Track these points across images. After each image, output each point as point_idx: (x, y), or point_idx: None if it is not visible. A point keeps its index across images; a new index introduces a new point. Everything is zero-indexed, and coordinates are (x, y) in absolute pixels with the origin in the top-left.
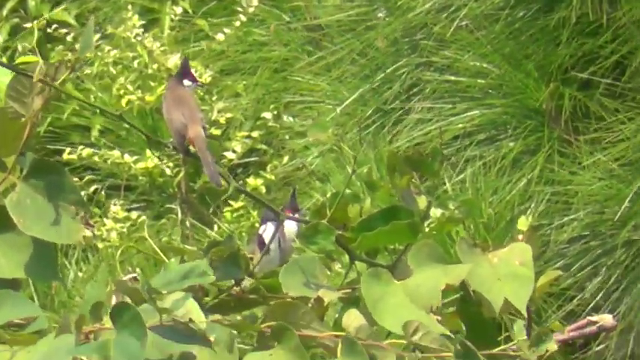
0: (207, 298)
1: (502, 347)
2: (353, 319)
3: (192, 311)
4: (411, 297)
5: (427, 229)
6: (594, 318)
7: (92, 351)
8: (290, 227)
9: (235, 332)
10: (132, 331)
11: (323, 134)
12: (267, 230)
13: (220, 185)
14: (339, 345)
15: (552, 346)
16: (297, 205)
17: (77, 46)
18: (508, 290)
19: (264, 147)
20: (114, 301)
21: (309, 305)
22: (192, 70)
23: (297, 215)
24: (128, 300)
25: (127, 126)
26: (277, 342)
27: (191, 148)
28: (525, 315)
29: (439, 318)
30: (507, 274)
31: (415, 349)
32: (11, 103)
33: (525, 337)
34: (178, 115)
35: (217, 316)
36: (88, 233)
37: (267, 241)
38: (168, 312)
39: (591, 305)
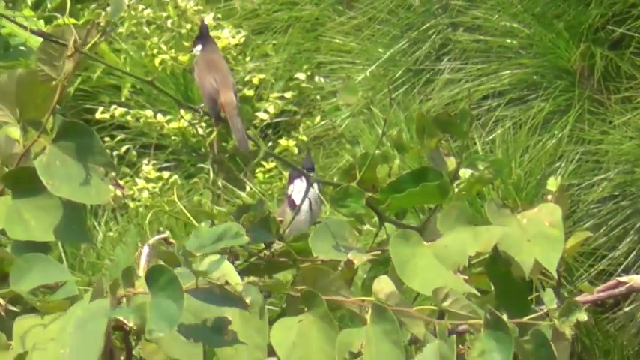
0: (237, 262)
1: (532, 316)
2: (383, 285)
3: (228, 274)
4: (439, 258)
5: (456, 190)
6: (623, 278)
7: (129, 313)
8: (315, 190)
9: (265, 296)
10: (168, 294)
11: (353, 97)
12: (296, 189)
13: (248, 151)
14: (369, 311)
15: (582, 316)
16: (313, 163)
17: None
18: (538, 251)
19: (294, 108)
20: (143, 262)
21: (340, 268)
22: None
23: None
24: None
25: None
26: (307, 307)
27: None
28: (545, 298)
29: (466, 277)
30: (537, 235)
31: (443, 316)
32: (42, 66)
33: (555, 303)
34: (210, 79)
35: (253, 278)
36: (117, 194)
37: (297, 201)
38: (205, 274)
39: (622, 265)
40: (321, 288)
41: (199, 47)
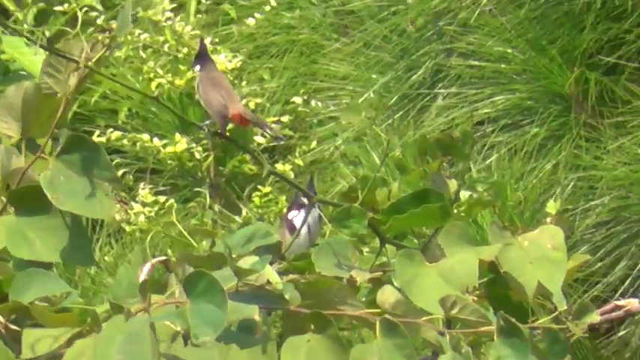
0: None
1: (544, 319)
2: (388, 295)
3: (266, 273)
4: (445, 278)
5: (456, 212)
6: (621, 302)
7: (174, 317)
8: (313, 213)
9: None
10: (209, 299)
11: (356, 117)
12: (298, 216)
13: (284, 139)
14: (377, 325)
15: (595, 317)
16: (315, 191)
17: (107, 28)
18: (541, 274)
19: (290, 132)
20: (141, 280)
21: None
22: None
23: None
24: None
25: (154, 110)
26: (314, 326)
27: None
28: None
29: (475, 298)
30: (539, 258)
31: (450, 326)
32: (46, 79)
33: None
34: (217, 96)
35: (292, 276)
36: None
37: (297, 224)
38: (250, 273)
39: (617, 291)
40: (326, 300)
41: (198, 67)
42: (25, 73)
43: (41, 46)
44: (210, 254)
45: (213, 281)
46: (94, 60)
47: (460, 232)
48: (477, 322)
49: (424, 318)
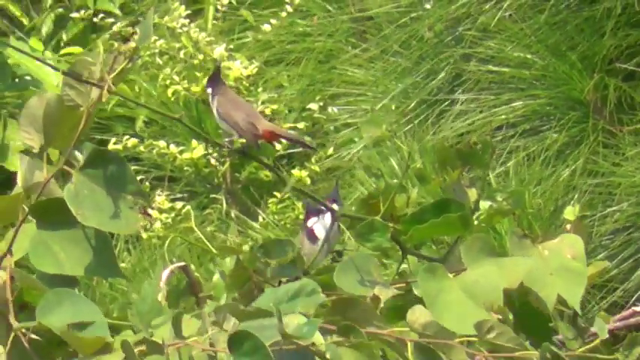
0: None
1: (585, 347)
2: (418, 315)
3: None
4: (468, 294)
5: (476, 222)
6: (639, 308)
7: None
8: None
9: None
10: None
11: (377, 130)
12: (317, 223)
13: (314, 146)
14: (409, 348)
15: None
16: (339, 198)
17: (127, 37)
18: (561, 286)
19: (308, 139)
20: (161, 293)
21: None
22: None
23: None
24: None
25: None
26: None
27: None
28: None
29: (500, 317)
30: (559, 268)
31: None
32: (67, 91)
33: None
34: (243, 115)
35: (335, 338)
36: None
37: (317, 233)
38: (297, 339)
39: (635, 297)
40: (352, 319)
41: (210, 90)
42: (30, 78)
43: (64, 73)
44: (257, 310)
45: (260, 345)
46: (115, 74)
47: (482, 245)
48: (514, 348)
49: (457, 340)
